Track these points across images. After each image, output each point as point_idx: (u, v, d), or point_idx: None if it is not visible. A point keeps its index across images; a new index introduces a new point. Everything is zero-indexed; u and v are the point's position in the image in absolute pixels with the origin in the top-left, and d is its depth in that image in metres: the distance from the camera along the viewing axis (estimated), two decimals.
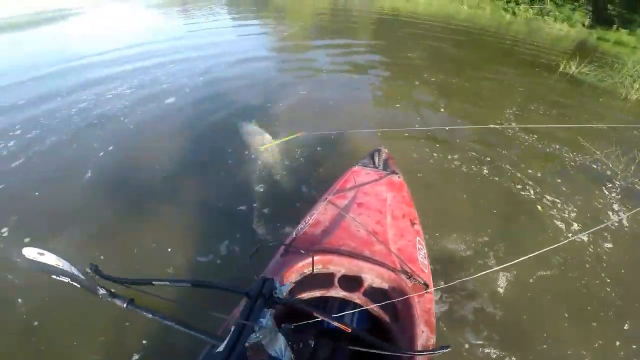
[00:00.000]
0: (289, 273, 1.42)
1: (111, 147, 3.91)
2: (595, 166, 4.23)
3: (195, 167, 3.64)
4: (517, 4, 18.86)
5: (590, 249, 3.01)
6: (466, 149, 4.32)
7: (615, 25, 14.82)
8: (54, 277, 0.88)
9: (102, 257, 2.58)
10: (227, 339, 0.80)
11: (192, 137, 4.18)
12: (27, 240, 2.65)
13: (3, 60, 7.63)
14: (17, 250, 0.93)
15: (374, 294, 1.43)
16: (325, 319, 0.96)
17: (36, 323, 2.16)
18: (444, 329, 2.20)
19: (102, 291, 0.93)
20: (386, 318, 1.37)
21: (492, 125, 4.89)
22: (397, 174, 2.34)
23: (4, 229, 2.75)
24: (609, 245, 3.08)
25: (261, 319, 0.85)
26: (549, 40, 12.26)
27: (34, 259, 0.84)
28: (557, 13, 16.74)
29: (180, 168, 3.61)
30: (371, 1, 20.83)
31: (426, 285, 1.51)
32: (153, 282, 0.98)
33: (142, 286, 0.96)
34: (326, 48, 8.59)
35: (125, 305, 0.93)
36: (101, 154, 3.80)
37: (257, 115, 4.62)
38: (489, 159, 4.17)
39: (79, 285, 0.90)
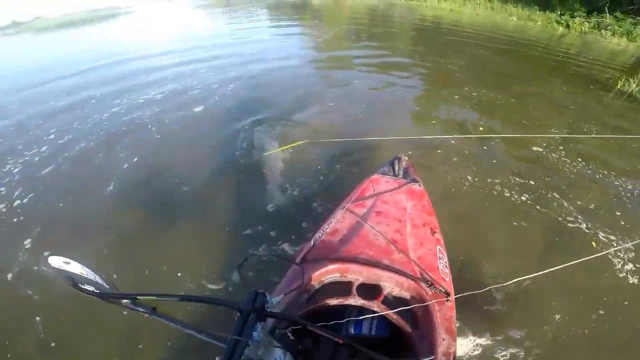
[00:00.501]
0: (307, 281, 1.41)
1: (136, 159, 3.95)
2: None
3: (213, 179, 3.62)
4: (572, 16, 17.69)
5: None
6: (505, 169, 3.89)
7: None
8: (80, 285, 0.87)
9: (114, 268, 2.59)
10: (223, 356, 0.81)
11: (214, 146, 4.16)
12: (46, 253, 2.63)
13: (50, 58, 8.04)
14: (43, 259, 1.12)
15: (394, 302, 1.41)
16: (322, 333, 0.96)
17: (53, 343, 2.18)
18: (466, 337, 2.14)
19: (125, 300, 0.92)
20: (406, 326, 1.37)
21: (535, 148, 4.39)
22: (417, 182, 2.29)
23: (27, 240, 2.77)
24: None
25: (254, 333, 0.85)
26: (605, 55, 11.23)
27: (60, 267, 0.84)
28: (616, 27, 15.48)
29: (198, 181, 3.59)
30: (411, 9, 20.37)
31: (447, 294, 1.49)
32: (138, 297, 0.93)
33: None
34: (360, 57, 8.31)
35: (148, 314, 0.94)
36: (125, 165, 3.84)
37: (282, 124, 4.57)
38: (532, 182, 3.70)
39: (102, 294, 0.90)
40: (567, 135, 4.61)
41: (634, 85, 7.05)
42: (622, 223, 3.25)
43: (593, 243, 2.99)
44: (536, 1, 19.75)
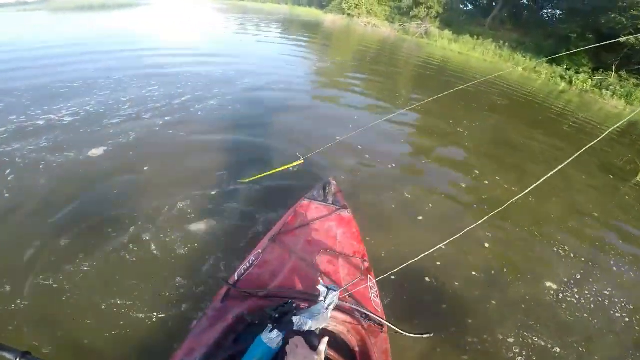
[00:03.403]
0: (233, 321, 1.31)
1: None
2: None
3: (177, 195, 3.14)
4: (577, 72, 18.03)
5: None
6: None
7: None
8: None
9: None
10: None
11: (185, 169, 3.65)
12: None
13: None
14: None
15: (330, 337, 1.30)
16: None
17: None
18: None
19: None
20: None
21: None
22: (346, 208, 2.26)
23: None
24: None
25: None
26: (599, 117, 11.39)
27: None
28: (617, 87, 15.74)
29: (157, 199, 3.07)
30: (420, 47, 20.80)
31: (381, 326, 1.46)
32: None
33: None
34: (360, 87, 8.46)
35: (16, 358, 0.77)
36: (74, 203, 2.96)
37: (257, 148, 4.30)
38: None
39: None
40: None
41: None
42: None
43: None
44: (545, 53, 20.18)
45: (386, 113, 6.83)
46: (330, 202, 2.31)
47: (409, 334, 1.39)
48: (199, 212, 2.94)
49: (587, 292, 3.04)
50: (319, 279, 1.50)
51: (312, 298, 1.31)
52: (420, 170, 4.78)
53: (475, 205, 4.07)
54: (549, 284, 3.05)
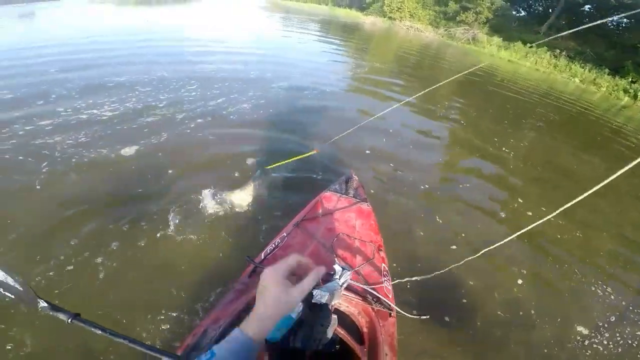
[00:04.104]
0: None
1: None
2: None
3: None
4: None
5: None
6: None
7: None
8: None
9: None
10: None
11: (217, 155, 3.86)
12: None
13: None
14: None
15: (341, 317, 1.44)
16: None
17: None
18: (406, 353, 2.11)
19: (42, 303, 0.85)
20: (352, 342, 1.39)
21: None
22: (367, 202, 2.37)
23: None
24: None
25: None
26: None
27: None
28: None
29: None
30: (466, 53, 19.56)
31: (390, 310, 1.55)
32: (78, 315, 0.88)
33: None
34: (397, 93, 7.72)
35: (69, 319, 0.86)
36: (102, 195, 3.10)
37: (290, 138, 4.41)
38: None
39: (13, 296, 0.83)
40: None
41: None
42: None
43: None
44: (607, 63, 18.34)
45: (423, 122, 6.26)
46: (352, 195, 2.42)
47: (416, 316, 1.54)
48: (228, 201, 3.03)
49: (618, 337, 2.63)
50: (336, 260, 1.56)
51: (327, 277, 1.36)
52: (452, 182, 4.35)
53: (508, 226, 3.62)
54: (579, 328, 2.63)
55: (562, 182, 5.10)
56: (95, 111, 4.37)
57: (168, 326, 2.04)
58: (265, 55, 9.26)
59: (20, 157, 3.25)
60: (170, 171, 3.39)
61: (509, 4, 28.39)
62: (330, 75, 8.22)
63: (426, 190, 3.94)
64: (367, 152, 4.48)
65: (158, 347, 0.90)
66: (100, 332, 0.87)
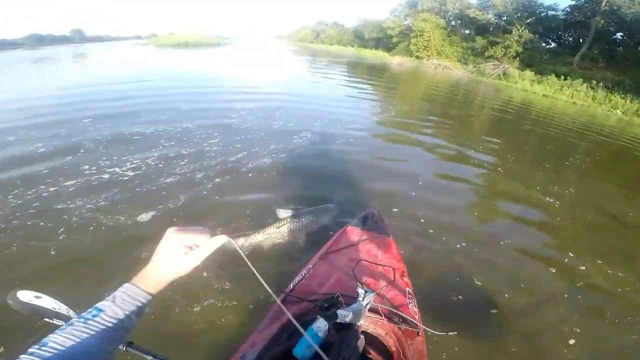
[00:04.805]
0: (287, 320, 1.49)
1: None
2: None
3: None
4: None
5: None
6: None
7: None
8: (47, 320, 0.89)
9: None
10: None
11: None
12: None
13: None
14: (10, 293, 0.92)
15: (369, 339, 1.46)
16: None
17: None
18: None
19: None
20: None
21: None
22: (388, 234, 2.46)
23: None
24: None
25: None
26: None
27: (29, 302, 0.86)
28: None
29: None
30: (497, 89, 19.34)
31: (417, 330, 1.59)
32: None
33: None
34: (429, 137, 7.67)
35: (124, 347, 0.91)
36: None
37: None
38: None
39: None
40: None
41: None
42: None
43: None
44: None
45: (456, 168, 6.04)
46: (373, 228, 2.51)
47: (443, 332, 1.49)
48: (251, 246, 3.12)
49: None
50: (358, 284, 1.60)
51: (351, 301, 1.40)
52: (493, 237, 3.97)
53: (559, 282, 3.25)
54: None
55: (617, 230, 4.72)
56: (117, 169, 4.45)
57: (212, 352, 2.22)
58: (290, 101, 9.48)
59: (41, 223, 3.32)
60: None
61: (537, 36, 28.21)
62: (356, 121, 8.18)
63: (463, 249, 3.68)
64: (395, 209, 4.19)
65: None
66: (152, 358, 0.95)
